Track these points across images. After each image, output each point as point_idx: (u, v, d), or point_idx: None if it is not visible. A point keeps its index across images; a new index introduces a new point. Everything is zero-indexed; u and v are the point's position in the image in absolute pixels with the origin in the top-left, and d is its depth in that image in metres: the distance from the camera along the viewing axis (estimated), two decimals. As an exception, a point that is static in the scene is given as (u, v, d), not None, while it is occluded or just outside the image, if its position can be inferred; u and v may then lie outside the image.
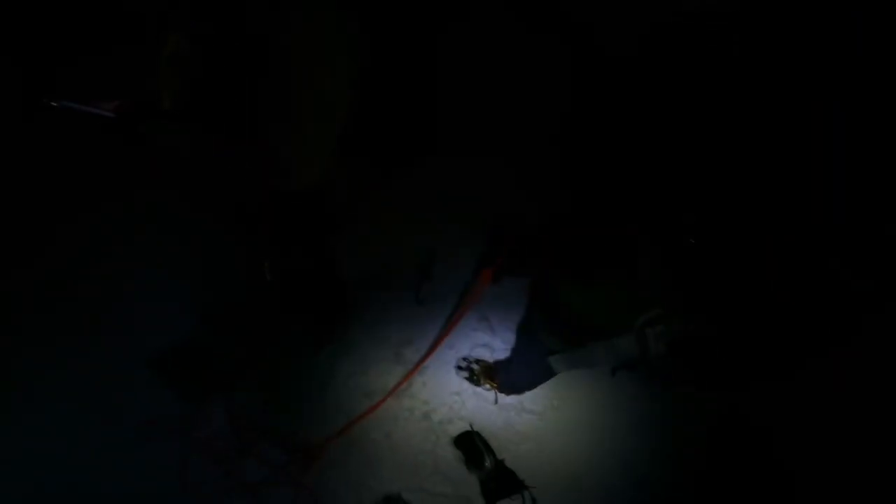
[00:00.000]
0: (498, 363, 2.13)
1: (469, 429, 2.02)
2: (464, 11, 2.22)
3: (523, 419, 2.05)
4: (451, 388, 2.13)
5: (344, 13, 1.46)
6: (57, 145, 2.30)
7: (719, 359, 1.65)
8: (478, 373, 2.11)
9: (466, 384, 2.13)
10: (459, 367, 2.15)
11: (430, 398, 2.11)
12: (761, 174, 1.64)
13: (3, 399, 2.01)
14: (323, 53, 1.44)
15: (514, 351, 2.13)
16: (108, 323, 2.17)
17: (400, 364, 2.16)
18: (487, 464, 1.91)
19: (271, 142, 1.50)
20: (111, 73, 2.06)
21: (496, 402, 2.09)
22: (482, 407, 2.09)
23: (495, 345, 2.19)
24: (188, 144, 1.51)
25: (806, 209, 1.61)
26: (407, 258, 2.30)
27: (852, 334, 1.57)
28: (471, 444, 1.98)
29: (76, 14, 2.18)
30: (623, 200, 1.84)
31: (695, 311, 1.61)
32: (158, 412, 2.00)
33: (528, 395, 2.07)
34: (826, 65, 1.56)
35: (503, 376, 2.08)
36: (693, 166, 1.79)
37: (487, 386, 2.11)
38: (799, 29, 1.58)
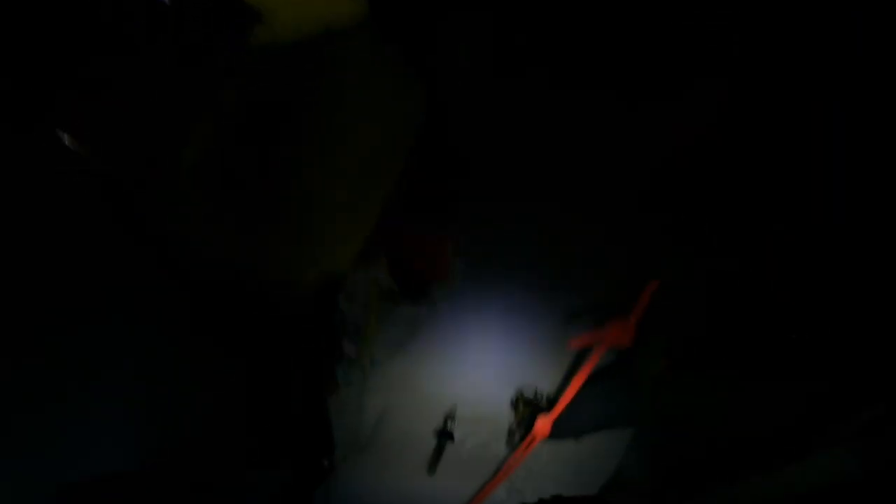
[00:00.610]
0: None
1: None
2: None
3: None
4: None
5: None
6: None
7: None
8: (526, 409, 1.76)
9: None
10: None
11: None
12: (762, 174, 1.66)
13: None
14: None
15: None
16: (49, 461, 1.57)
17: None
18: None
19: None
20: (112, 88, 2.00)
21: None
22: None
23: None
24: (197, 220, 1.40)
25: (806, 209, 1.63)
26: (424, 411, 1.77)
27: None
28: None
29: (74, 27, 2.14)
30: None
31: None
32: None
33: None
34: (826, 65, 1.56)
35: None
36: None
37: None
38: (799, 29, 1.57)
